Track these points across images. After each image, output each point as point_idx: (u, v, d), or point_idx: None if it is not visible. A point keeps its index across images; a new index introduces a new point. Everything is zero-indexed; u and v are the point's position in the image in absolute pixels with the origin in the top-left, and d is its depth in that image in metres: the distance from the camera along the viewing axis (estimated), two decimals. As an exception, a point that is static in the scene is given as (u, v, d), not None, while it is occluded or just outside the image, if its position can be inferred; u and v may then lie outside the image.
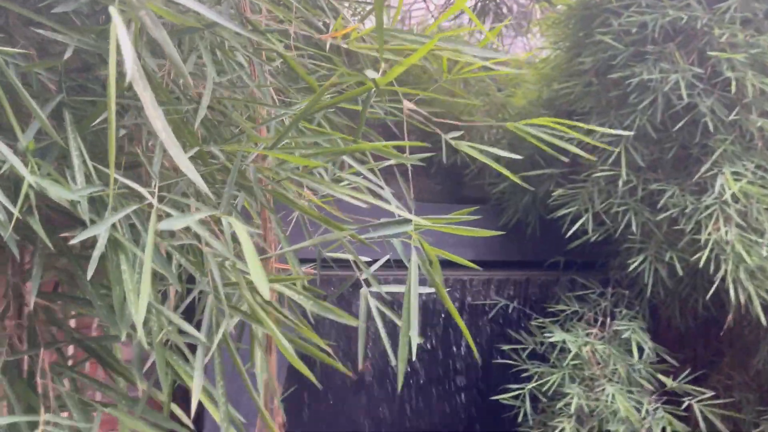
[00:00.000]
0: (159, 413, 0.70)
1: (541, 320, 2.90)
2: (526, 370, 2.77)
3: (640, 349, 2.73)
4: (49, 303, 0.71)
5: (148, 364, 0.71)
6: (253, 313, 0.67)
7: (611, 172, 2.55)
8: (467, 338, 0.81)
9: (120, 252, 0.63)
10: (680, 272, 2.53)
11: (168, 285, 0.75)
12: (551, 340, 2.70)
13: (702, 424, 2.51)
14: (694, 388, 2.60)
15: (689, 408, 2.61)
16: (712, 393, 2.60)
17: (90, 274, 0.70)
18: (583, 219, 2.65)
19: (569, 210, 2.67)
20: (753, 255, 2.34)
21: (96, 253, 0.64)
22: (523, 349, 2.85)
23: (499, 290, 3.22)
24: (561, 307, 2.90)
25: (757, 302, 2.37)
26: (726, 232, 2.34)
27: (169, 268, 0.66)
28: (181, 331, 0.74)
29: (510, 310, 3.18)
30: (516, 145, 2.88)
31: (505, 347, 2.89)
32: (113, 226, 0.63)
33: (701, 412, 2.52)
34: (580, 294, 2.96)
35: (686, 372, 2.67)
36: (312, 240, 0.74)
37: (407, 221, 0.87)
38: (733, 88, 2.27)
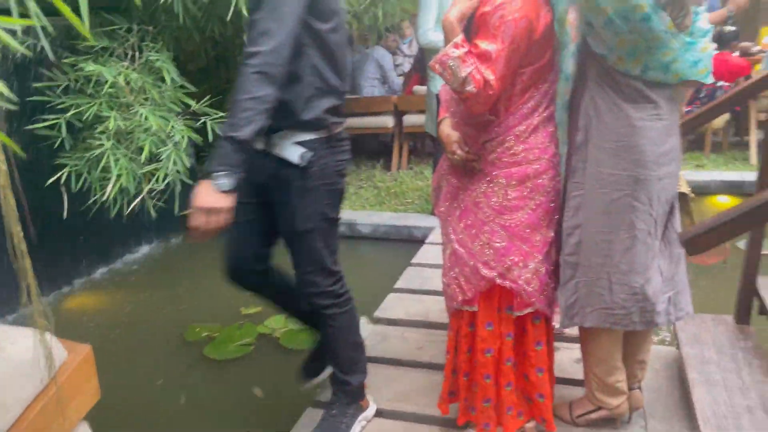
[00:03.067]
0: None
1: (73, 58, 3.00)
2: (63, 104, 2.92)
3: (169, 77, 3.16)
4: None
5: None
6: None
7: None
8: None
9: None
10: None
11: None
12: (86, 71, 2.87)
13: (210, 135, 3.18)
14: (212, 110, 3.22)
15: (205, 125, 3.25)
16: (224, 114, 3.27)
17: None
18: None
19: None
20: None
21: None
22: (58, 86, 2.97)
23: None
24: (91, 43, 3.04)
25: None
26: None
27: None
28: None
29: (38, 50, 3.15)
30: None
31: (37, 85, 2.94)
32: None
33: (212, 127, 3.20)
34: (108, 30, 3.13)
35: (207, 97, 3.28)
36: None
37: None
38: None
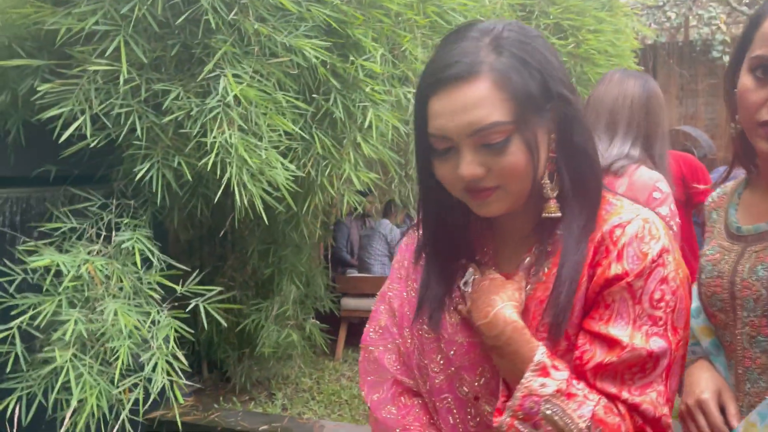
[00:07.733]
0: None
1: (32, 243, 2.44)
2: (16, 307, 2.31)
3: (147, 260, 2.58)
4: None
5: None
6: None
7: (110, 68, 2.25)
8: None
9: None
10: (189, 177, 2.46)
11: None
12: (37, 263, 2.29)
13: (204, 320, 2.53)
14: (202, 288, 2.58)
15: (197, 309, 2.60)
16: (218, 289, 2.64)
17: None
18: (80, 121, 2.28)
19: (61, 110, 2.26)
20: (254, 158, 2.43)
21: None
22: (11, 282, 2.36)
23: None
24: (56, 225, 2.50)
25: (259, 202, 2.49)
26: (230, 135, 2.35)
27: None
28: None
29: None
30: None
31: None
32: None
33: (204, 309, 2.54)
34: (79, 208, 2.60)
35: (194, 275, 2.66)
36: None
37: None
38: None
